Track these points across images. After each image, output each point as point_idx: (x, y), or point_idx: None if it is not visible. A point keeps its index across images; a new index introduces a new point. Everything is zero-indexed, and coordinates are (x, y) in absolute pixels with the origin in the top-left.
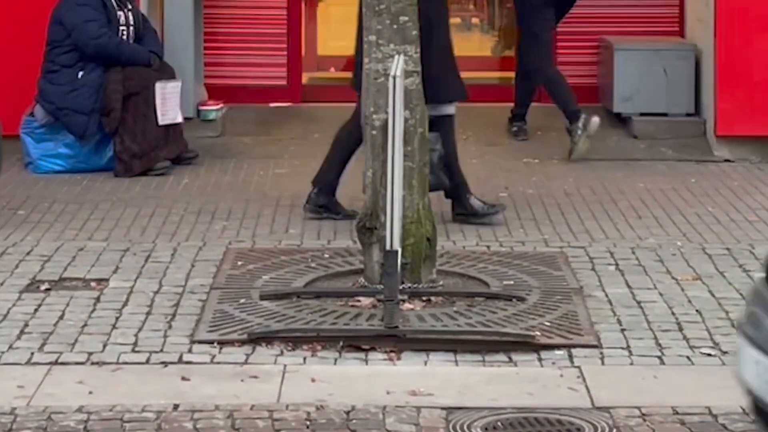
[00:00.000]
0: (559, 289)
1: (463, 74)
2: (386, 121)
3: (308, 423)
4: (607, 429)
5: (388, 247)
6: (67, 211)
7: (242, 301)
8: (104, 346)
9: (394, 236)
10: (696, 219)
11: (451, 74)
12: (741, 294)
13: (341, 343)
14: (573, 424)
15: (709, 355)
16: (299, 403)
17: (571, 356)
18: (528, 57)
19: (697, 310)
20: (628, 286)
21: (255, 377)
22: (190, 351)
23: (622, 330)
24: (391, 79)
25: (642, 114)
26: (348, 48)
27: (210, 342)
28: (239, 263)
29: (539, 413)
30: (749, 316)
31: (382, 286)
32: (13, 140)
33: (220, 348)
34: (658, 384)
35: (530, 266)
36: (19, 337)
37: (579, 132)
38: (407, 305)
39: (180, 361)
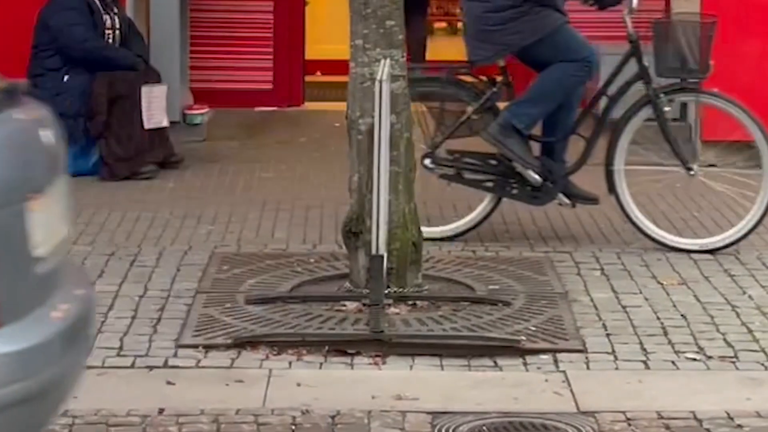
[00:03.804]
0: (544, 294)
1: None
2: (372, 125)
3: (293, 427)
4: None
5: (373, 252)
6: None
7: (228, 305)
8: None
9: (380, 241)
10: (681, 224)
11: None
12: (726, 299)
13: (326, 348)
14: (558, 429)
15: (694, 359)
16: (284, 408)
17: (556, 361)
18: None
19: (682, 315)
20: (614, 291)
21: (240, 381)
22: (175, 355)
23: (608, 335)
24: (377, 84)
25: None
26: (334, 51)
27: (195, 346)
28: (225, 267)
29: (524, 418)
30: None
31: (367, 291)
32: None
33: (206, 352)
34: (643, 388)
35: (516, 271)
36: None
37: None
38: (393, 310)
39: (165, 365)
